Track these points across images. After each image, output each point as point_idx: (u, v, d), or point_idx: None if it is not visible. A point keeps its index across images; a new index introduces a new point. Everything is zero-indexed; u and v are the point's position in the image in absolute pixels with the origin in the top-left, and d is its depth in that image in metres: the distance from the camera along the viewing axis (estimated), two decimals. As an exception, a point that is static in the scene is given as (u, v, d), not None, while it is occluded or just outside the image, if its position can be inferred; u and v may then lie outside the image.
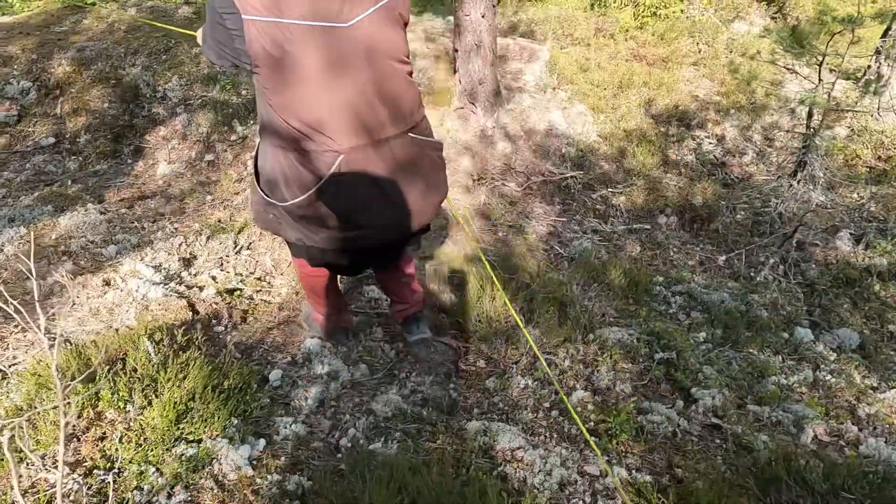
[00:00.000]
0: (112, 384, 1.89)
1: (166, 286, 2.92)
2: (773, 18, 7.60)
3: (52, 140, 4.71)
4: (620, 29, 6.85)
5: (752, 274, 3.96)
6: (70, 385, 1.68)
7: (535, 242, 4.08)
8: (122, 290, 2.81)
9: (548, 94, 5.43)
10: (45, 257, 3.14)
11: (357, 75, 1.69)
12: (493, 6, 4.36)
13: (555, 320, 3.03)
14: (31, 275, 1.56)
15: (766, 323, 3.37)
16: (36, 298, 1.53)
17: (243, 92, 4.85)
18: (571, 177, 4.81)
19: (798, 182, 4.04)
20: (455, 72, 4.74)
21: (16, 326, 2.48)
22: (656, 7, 6.97)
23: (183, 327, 2.52)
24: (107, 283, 2.91)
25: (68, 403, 1.69)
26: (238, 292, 3.10)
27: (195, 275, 3.31)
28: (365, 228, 1.92)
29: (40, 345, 2.17)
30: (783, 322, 3.48)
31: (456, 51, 4.58)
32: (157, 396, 1.90)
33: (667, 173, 5.06)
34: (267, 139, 1.83)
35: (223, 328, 2.70)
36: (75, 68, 5.10)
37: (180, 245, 3.52)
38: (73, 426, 1.77)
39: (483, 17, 4.31)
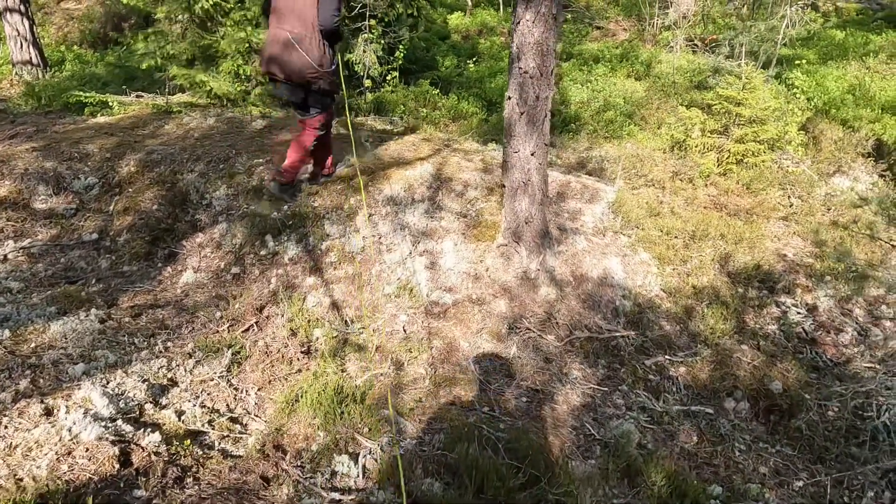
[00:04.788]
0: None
1: (108, 426, 2.54)
2: (881, 176, 6.82)
3: (94, 236, 4.75)
4: (701, 174, 6.35)
5: (845, 500, 3.04)
6: None
7: (564, 416, 3.41)
8: (55, 426, 2.46)
9: (607, 238, 4.93)
10: (9, 368, 2.91)
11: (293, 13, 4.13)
12: (545, 145, 4.04)
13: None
14: None
15: (862, 586, 2.46)
16: None
17: (285, 207, 4.73)
18: (623, 336, 4.16)
19: (910, 385, 3.18)
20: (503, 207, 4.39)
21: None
22: (742, 154, 6.45)
23: (93, 490, 2.10)
24: (48, 411, 2.58)
25: None
26: (188, 442, 2.67)
27: (162, 407, 2.94)
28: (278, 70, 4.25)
29: None
30: (888, 587, 2.54)
31: (503, 186, 4.26)
32: None
33: (741, 344, 4.27)
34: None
35: (144, 492, 2.25)
36: (139, 169, 5.27)
37: (160, 369, 3.20)
38: None
39: (533, 155, 3.99)
